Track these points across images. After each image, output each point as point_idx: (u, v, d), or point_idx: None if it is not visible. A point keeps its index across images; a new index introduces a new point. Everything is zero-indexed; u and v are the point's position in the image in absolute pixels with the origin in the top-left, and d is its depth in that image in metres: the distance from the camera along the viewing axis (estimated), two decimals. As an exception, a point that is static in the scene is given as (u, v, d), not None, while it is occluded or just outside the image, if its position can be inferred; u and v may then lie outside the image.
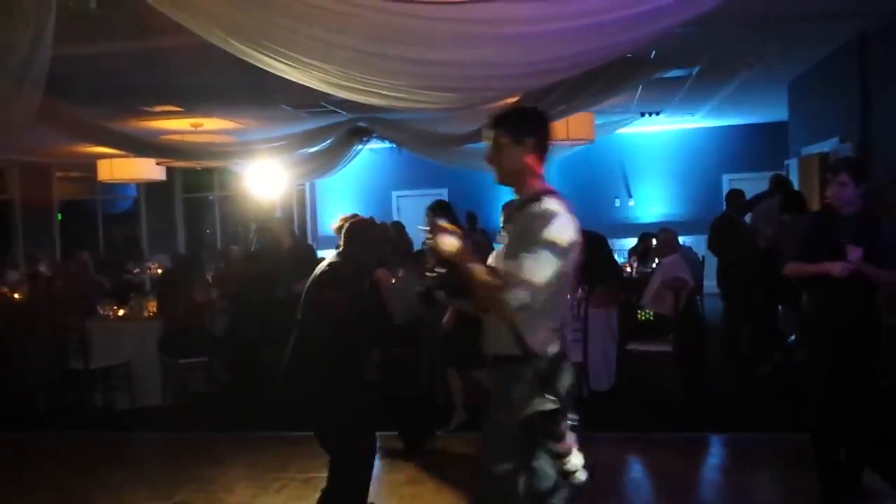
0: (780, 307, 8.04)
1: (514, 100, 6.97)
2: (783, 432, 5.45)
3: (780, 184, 8.46)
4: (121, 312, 7.54)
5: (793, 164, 9.41)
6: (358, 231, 3.93)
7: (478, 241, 8.05)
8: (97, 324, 7.29)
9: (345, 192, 14.49)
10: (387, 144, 11.55)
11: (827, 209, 4.18)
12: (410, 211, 14.49)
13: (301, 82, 4.03)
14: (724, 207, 8.51)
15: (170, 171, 11.76)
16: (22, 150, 10.60)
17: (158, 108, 9.19)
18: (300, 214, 15.21)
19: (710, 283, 8.47)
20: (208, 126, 10.35)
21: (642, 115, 10.87)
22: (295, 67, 3.74)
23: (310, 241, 14.26)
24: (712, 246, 8.30)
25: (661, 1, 3.55)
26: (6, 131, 6.71)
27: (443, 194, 14.60)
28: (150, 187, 14.22)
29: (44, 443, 6.33)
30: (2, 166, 13.33)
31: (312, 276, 3.90)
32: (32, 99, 4.62)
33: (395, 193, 14.92)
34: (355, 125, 10.11)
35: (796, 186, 8.52)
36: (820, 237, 4.08)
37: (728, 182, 12.96)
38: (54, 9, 3.49)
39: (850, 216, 3.97)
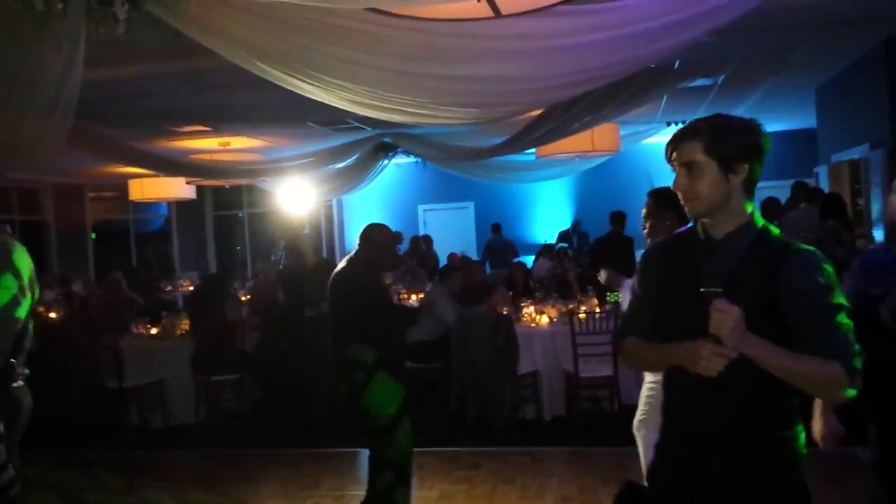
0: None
1: (537, 112, 6.99)
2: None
3: (811, 192, 8.37)
4: (154, 331, 7.63)
5: (822, 172, 9.31)
6: (364, 234, 4.32)
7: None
8: (131, 342, 7.39)
9: (371, 207, 14.58)
10: (412, 159, 11.61)
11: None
12: (437, 225, 14.54)
13: (327, 102, 4.08)
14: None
15: (200, 189, 11.93)
16: (55, 171, 10.83)
17: (187, 129, 9.34)
18: (328, 230, 15.32)
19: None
20: (236, 145, 10.49)
21: (668, 124, 10.82)
22: (321, 88, 3.79)
23: (337, 256, 14.35)
24: None
25: (685, 13, 3.55)
26: (40, 154, 6.87)
27: (469, 207, 14.68)
28: (180, 206, 14.42)
29: (80, 461, 6.41)
30: (36, 188, 13.59)
31: (330, 280, 4.29)
32: (64, 122, 4.74)
33: (421, 207, 14.97)
34: (381, 140, 10.19)
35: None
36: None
37: (757, 190, 12.80)
38: (84, 35, 3.58)
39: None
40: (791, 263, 1.97)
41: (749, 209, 2.07)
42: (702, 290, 1.93)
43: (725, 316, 1.85)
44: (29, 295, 3.27)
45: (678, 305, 2.08)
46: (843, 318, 1.93)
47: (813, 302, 1.94)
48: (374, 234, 4.31)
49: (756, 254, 2.02)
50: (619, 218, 9.38)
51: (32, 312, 3.37)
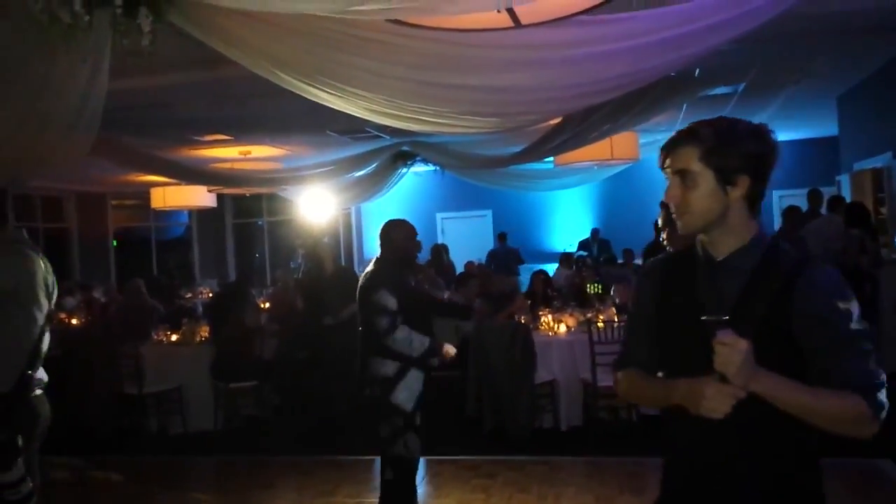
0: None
1: (556, 121, 7.00)
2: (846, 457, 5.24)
3: (832, 200, 8.30)
4: (174, 338, 7.70)
5: (844, 180, 9.24)
6: (383, 234, 4.30)
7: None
8: (151, 349, 7.45)
9: (390, 215, 14.37)
10: (430, 167, 11.65)
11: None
12: (455, 233, 14.56)
13: (347, 111, 4.11)
14: (781, 224, 8.34)
15: (220, 197, 12.05)
16: (79, 180, 10.98)
17: (208, 138, 9.43)
18: (346, 238, 15.39)
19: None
20: (256, 153, 10.58)
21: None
22: (341, 97, 3.82)
23: (356, 264, 14.41)
24: None
25: (705, 21, 3.55)
26: (64, 164, 6.97)
27: (486, 216, 14.69)
28: (201, 214, 14.56)
29: (99, 467, 6.46)
30: (60, 196, 13.78)
31: (359, 284, 4.24)
32: (89, 133, 4.81)
33: (439, 215, 15.01)
34: (399, 149, 10.24)
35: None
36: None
37: (778, 198, 12.74)
38: (109, 47, 3.63)
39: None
40: (804, 285, 1.71)
41: (754, 224, 1.81)
42: (704, 318, 1.68)
43: (731, 350, 1.61)
44: (46, 302, 3.28)
45: (676, 336, 1.85)
46: (864, 345, 1.70)
47: (831, 329, 1.69)
48: (392, 232, 4.25)
49: (764, 276, 1.75)
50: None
51: (49, 318, 3.35)
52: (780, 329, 1.71)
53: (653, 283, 1.96)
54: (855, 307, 1.70)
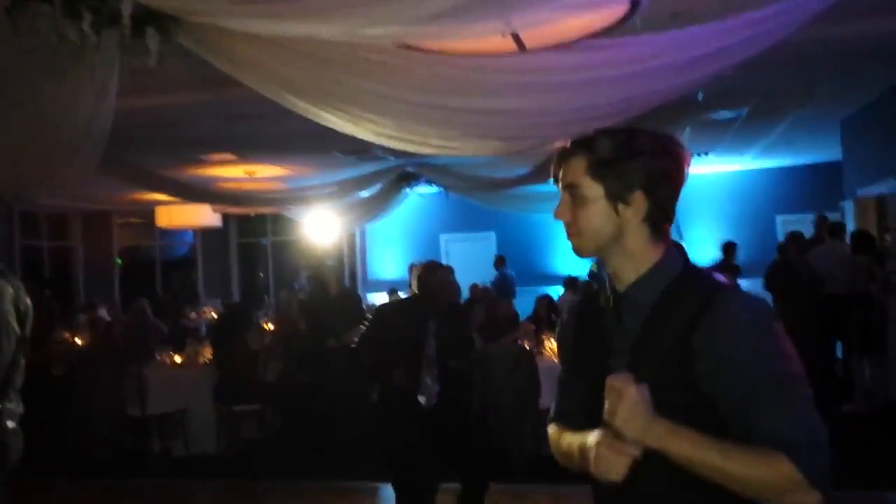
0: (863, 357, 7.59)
1: (562, 143, 7.02)
2: (853, 490, 4.81)
3: (832, 227, 8.31)
4: (177, 359, 7.67)
5: (848, 206, 9.23)
6: (418, 277, 4.41)
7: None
8: (154, 370, 7.42)
9: (394, 237, 14.64)
10: (434, 189, 11.68)
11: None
12: (459, 254, 14.54)
13: (354, 134, 4.13)
14: (782, 250, 8.32)
15: (225, 216, 12.07)
16: (84, 198, 11.02)
17: (214, 157, 9.47)
18: (350, 259, 15.39)
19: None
20: (261, 173, 10.61)
21: (692, 155, 10.79)
22: (348, 120, 3.85)
23: (359, 285, 14.40)
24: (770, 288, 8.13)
25: (710, 46, 3.57)
26: (71, 182, 7.00)
27: (490, 238, 14.68)
28: (206, 233, 14.57)
29: (102, 490, 6.43)
30: (65, 214, 13.81)
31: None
32: (95, 152, 4.84)
33: (442, 237, 15.00)
34: (404, 170, 10.27)
35: (851, 229, 8.34)
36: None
37: (782, 223, 12.73)
38: (118, 67, 3.67)
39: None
40: (709, 322, 1.40)
41: (659, 250, 1.52)
42: (607, 363, 1.47)
43: (618, 397, 1.35)
44: (18, 328, 3.05)
45: (579, 384, 1.61)
46: (793, 392, 1.36)
47: (741, 372, 1.36)
48: (424, 275, 4.36)
49: (665, 311, 1.46)
50: (729, 248, 9.68)
51: (22, 343, 3.10)
52: (682, 373, 1.41)
53: (571, 322, 1.71)
54: (781, 343, 1.39)
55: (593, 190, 1.51)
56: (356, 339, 4.50)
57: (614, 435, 1.36)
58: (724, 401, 1.38)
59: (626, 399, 1.34)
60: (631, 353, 1.45)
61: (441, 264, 4.48)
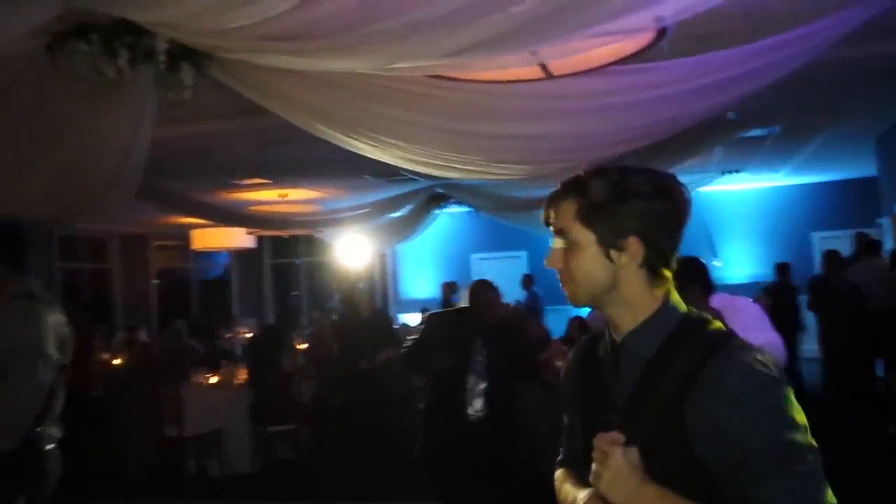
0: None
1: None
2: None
3: (868, 244, 8.18)
4: (213, 380, 7.76)
5: (885, 223, 9.08)
6: (469, 291, 4.56)
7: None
8: (191, 391, 7.51)
9: (425, 257, 14.69)
10: (464, 209, 11.70)
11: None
12: (490, 273, 14.46)
13: (381, 160, 4.19)
14: (821, 268, 8.24)
15: (259, 238, 12.23)
16: (122, 222, 11.26)
17: (247, 181, 9.62)
18: (382, 279, 15.46)
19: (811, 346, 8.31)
20: (294, 196, 10.74)
21: (723, 173, 10.71)
22: (376, 147, 3.91)
23: (391, 305, 14.45)
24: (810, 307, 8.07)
25: (736, 70, 3.57)
26: (110, 208, 7.17)
27: (521, 257, 14.66)
28: (240, 254, 14.76)
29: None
30: (104, 237, 14.10)
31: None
32: (132, 180, 4.96)
33: (473, 256, 15.02)
34: (434, 191, 10.33)
35: (888, 245, 8.21)
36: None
37: (819, 240, 12.54)
38: (153, 100, 3.77)
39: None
40: (705, 381, 1.28)
41: (658, 297, 1.42)
42: (600, 417, 1.39)
43: (603, 460, 1.29)
44: (58, 355, 3.11)
45: (576, 437, 1.55)
46: (797, 465, 1.23)
47: (737, 442, 1.25)
48: (472, 298, 4.49)
49: (662, 367, 1.35)
50: (783, 269, 9.55)
51: (63, 370, 3.17)
52: (676, 437, 1.30)
53: (573, 368, 1.62)
54: (783, 410, 1.26)
55: (584, 236, 1.42)
56: (405, 346, 4.66)
57: (600, 497, 1.31)
58: (717, 468, 1.27)
59: (612, 463, 1.28)
60: (624, 410, 1.37)
61: (492, 286, 4.51)
